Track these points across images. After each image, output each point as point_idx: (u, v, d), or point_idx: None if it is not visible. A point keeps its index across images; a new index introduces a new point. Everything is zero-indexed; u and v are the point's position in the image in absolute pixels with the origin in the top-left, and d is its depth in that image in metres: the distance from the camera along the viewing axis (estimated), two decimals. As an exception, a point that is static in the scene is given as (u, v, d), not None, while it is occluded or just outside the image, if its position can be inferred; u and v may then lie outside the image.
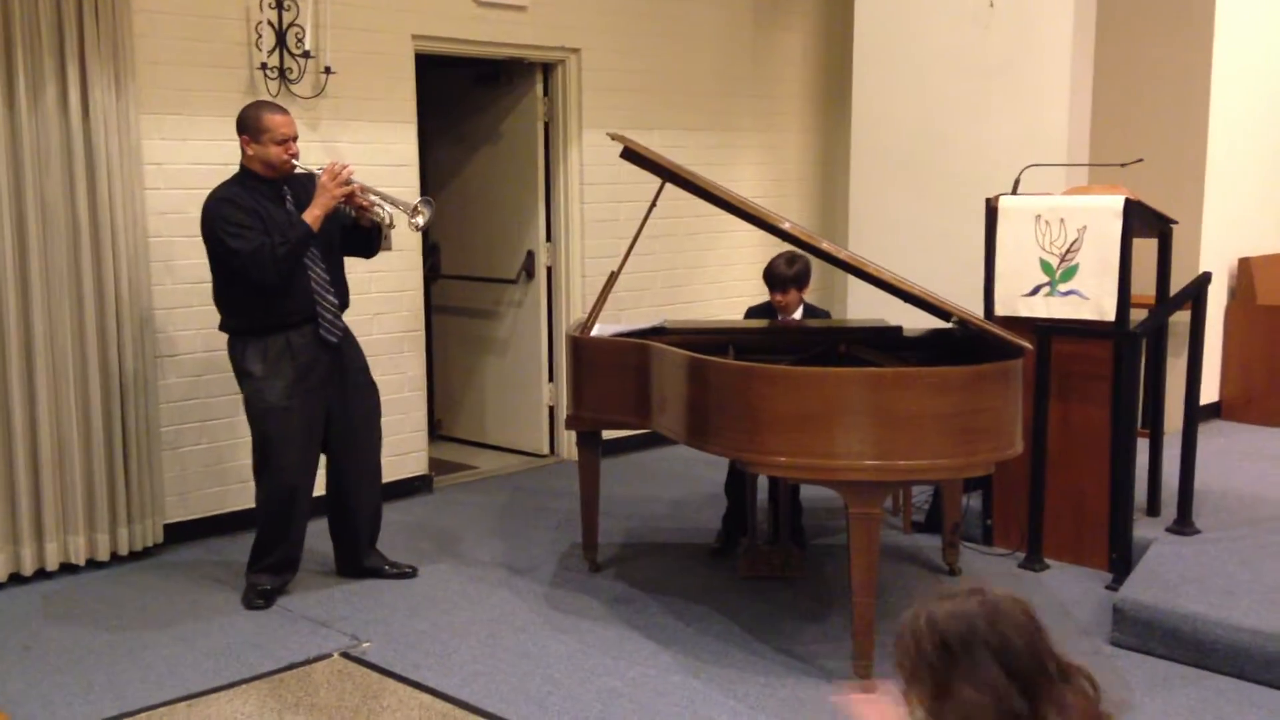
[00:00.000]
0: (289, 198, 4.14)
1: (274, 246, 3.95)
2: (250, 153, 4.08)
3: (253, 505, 4.43)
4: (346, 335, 4.30)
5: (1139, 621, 3.82)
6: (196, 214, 4.76)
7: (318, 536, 4.53)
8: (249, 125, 4.07)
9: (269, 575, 4.27)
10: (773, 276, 4.68)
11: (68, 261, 4.40)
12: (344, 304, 4.29)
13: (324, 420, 4.26)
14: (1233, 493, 5.03)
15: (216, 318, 4.86)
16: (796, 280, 4.67)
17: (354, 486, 4.41)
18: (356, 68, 5.20)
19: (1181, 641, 3.74)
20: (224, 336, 4.88)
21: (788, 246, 4.56)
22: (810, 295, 4.88)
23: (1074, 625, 4.03)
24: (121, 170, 4.49)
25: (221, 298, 4.18)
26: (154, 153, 4.68)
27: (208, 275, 4.83)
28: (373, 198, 4.15)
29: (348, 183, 4.05)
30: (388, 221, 4.20)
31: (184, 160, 4.78)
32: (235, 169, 4.87)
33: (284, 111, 4.14)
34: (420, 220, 4.15)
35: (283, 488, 4.19)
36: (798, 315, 4.78)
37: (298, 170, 4.12)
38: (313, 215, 4.02)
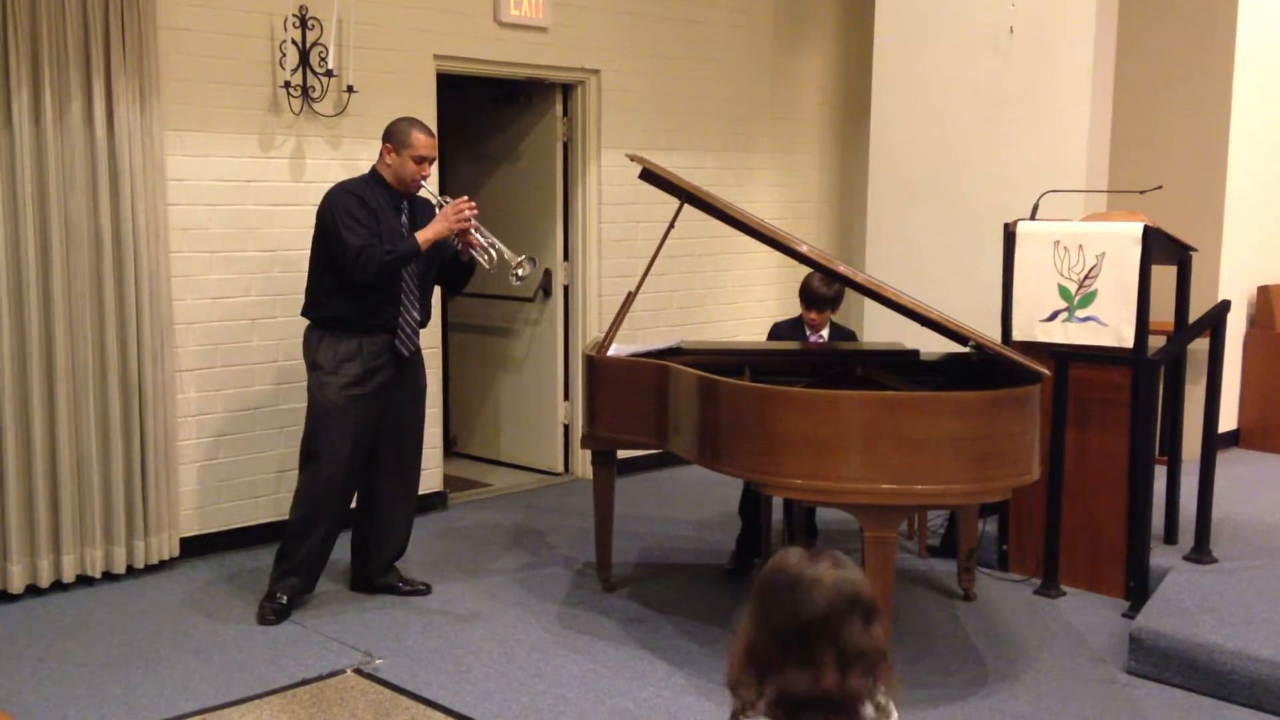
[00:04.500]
0: (405, 213, 4.29)
1: (382, 252, 4.08)
2: (389, 161, 4.24)
3: (270, 519, 4.45)
4: (417, 352, 4.39)
5: (1155, 650, 3.80)
6: (218, 230, 4.85)
7: (338, 552, 4.54)
8: (395, 136, 4.22)
9: (290, 580, 4.28)
10: (810, 295, 4.69)
11: (90, 274, 4.44)
12: (424, 322, 4.41)
13: (376, 429, 4.31)
14: (1251, 522, 5.00)
15: (235, 333, 4.94)
16: (834, 301, 4.69)
17: (389, 501, 4.45)
18: (378, 87, 5.24)
19: (1198, 671, 3.71)
20: (243, 350, 4.97)
21: (806, 269, 4.57)
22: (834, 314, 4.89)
23: (1089, 653, 4.01)
24: (145, 185, 4.53)
25: (314, 287, 4.29)
26: (177, 169, 4.72)
27: (226, 291, 4.91)
28: (483, 240, 4.28)
29: (466, 219, 4.19)
30: (490, 267, 4.32)
31: (206, 177, 4.82)
32: (255, 185, 4.94)
33: (431, 135, 4.28)
34: (521, 272, 4.29)
35: (323, 479, 4.23)
36: (825, 334, 4.79)
37: (421, 193, 4.30)
38: (424, 237, 4.16)
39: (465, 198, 4.27)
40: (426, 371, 5.54)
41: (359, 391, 4.22)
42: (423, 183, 4.28)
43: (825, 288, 4.66)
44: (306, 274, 4.33)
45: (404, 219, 4.28)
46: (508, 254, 4.28)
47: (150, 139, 4.54)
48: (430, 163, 4.28)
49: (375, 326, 4.23)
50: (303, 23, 4.97)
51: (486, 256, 4.30)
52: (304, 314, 4.34)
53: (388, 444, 4.39)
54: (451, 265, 4.42)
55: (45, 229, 4.33)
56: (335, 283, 4.19)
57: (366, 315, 4.21)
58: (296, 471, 4.37)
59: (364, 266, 4.07)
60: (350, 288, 4.15)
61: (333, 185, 4.30)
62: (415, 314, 4.33)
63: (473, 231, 4.26)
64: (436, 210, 4.29)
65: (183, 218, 4.76)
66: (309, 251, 4.32)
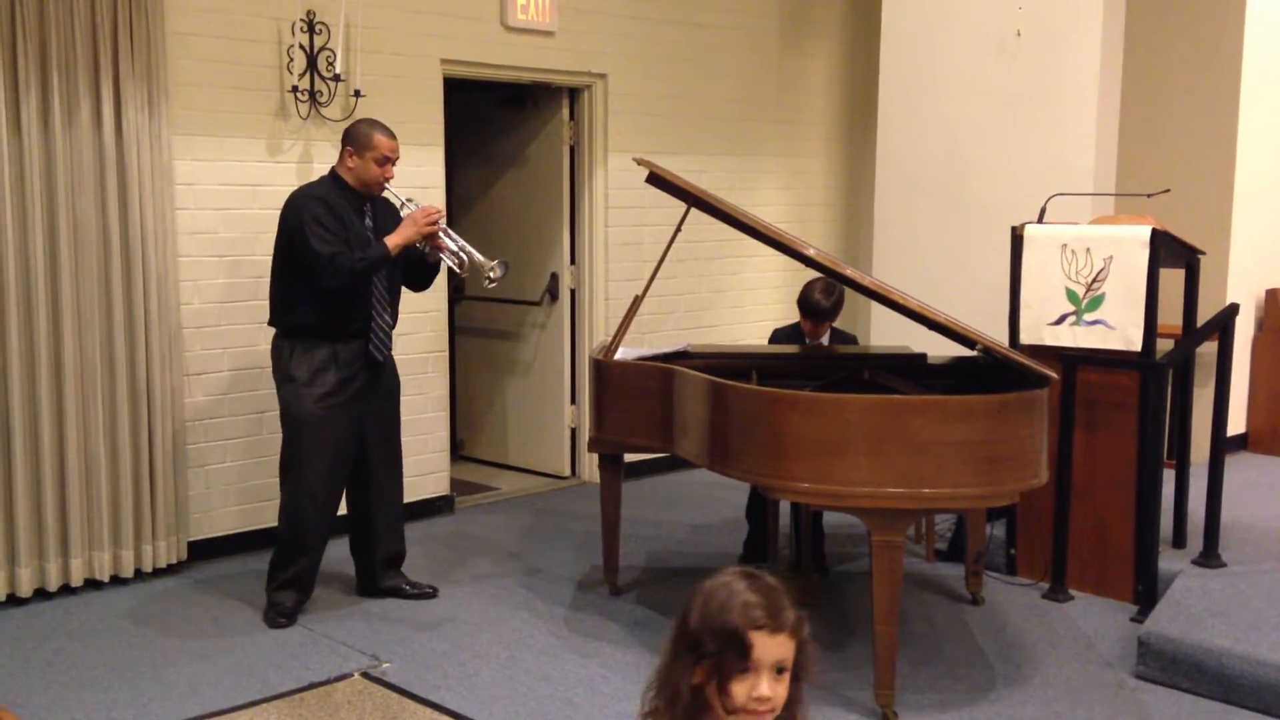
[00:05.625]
0: (369, 215, 4.25)
1: (353, 260, 4.05)
2: (350, 164, 4.20)
3: (276, 524, 4.45)
4: (389, 355, 4.38)
5: (1164, 655, 3.79)
6: (226, 234, 4.86)
7: (343, 558, 4.55)
8: (356, 139, 4.19)
9: (289, 591, 4.28)
10: (809, 307, 4.66)
11: (98, 279, 4.45)
12: (393, 324, 4.39)
13: (356, 435, 4.30)
14: (1260, 525, 4.98)
15: (243, 337, 4.94)
16: (833, 313, 4.66)
17: (377, 506, 4.44)
18: (385, 91, 5.25)
19: (1207, 676, 3.70)
20: (250, 354, 4.97)
21: (812, 272, 4.57)
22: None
23: (1098, 657, 4.00)
24: (153, 189, 4.54)
25: (280, 295, 4.25)
26: (185, 173, 4.73)
27: (234, 295, 4.91)
28: (452, 245, 4.26)
29: (434, 223, 4.18)
30: (461, 272, 4.32)
31: (214, 181, 4.83)
32: (263, 189, 4.95)
33: (393, 136, 4.24)
34: (493, 275, 4.26)
35: (305, 494, 4.22)
36: (825, 339, 4.78)
37: (386, 194, 4.27)
38: (393, 242, 4.13)
39: (432, 205, 4.25)
40: (433, 375, 5.59)
41: (336, 401, 4.19)
42: (386, 185, 4.23)
43: (825, 299, 4.62)
44: (269, 281, 4.29)
45: (368, 222, 4.24)
46: (479, 258, 4.26)
47: (158, 143, 4.55)
48: (393, 163, 4.22)
49: (348, 333, 4.19)
50: (310, 27, 4.98)
51: (456, 260, 4.27)
52: (271, 323, 4.30)
53: (371, 448, 4.36)
54: (416, 265, 4.38)
55: (54, 233, 4.34)
56: (304, 291, 4.13)
57: (338, 322, 4.16)
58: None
59: (335, 275, 4.03)
60: (319, 295, 4.10)
61: (294, 190, 4.25)
62: (387, 317, 4.29)
63: (441, 236, 4.23)
64: (401, 212, 4.25)
65: (190, 222, 4.77)
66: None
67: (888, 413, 3.46)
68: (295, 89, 4.97)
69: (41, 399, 4.35)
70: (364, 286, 4.16)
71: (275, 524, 4.39)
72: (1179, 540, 4.67)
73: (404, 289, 4.50)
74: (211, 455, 4.93)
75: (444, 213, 4.24)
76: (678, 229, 4.38)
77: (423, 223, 4.16)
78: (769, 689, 1.67)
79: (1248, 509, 5.18)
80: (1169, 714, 3.61)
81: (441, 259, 4.29)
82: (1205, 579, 4.29)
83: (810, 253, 4.11)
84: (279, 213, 4.95)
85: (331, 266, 4.03)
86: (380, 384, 4.35)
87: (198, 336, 4.83)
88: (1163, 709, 3.64)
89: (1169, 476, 4.58)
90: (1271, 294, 6.49)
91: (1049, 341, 4.54)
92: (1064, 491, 4.49)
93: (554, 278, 6.33)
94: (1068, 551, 4.53)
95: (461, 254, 4.27)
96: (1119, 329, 4.38)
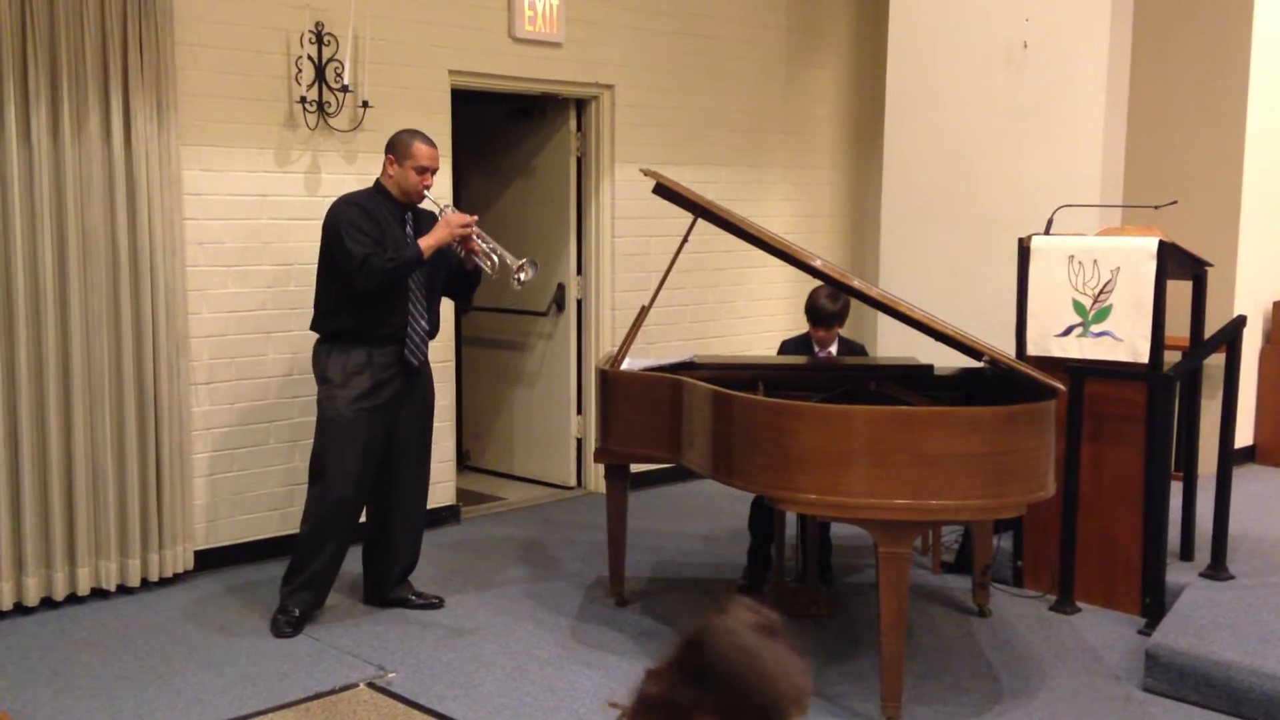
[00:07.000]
0: (410, 223, 4.31)
1: (384, 259, 4.09)
2: (391, 173, 4.27)
3: (283, 533, 4.46)
4: (426, 364, 4.40)
5: (1172, 668, 3.77)
6: (233, 244, 4.88)
7: (351, 568, 4.55)
8: (397, 147, 4.26)
9: (301, 595, 4.28)
10: (816, 312, 4.68)
11: (106, 288, 4.46)
12: (433, 332, 4.42)
13: (385, 441, 4.32)
14: (1268, 538, 4.96)
15: (250, 347, 4.96)
16: (840, 316, 4.68)
17: (400, 514, 4.46)
18: (393, 102, 5.27)
19: (1215, 689, 3.69)
20: (258, 364, 4.99)
21: (818, 283, 4.57)
22: (842, 330, 4.89)
23: (1105, 670, 3.99)
24: (161, 200, 4.56)
25: (321, 299, 4.31)
26: (193, 183, 4.75)
27: (242, 304, 4.93)
28: (485, 247, 4.30)
29: (468, 225, 4.24)
30: (492, 273, 4.35)
31: (223, 191, 4.85)
32: (271, 200, 4.97)
33: (433, 146, 4.31)
34: (523, 276, 4.30)
35: (332, 495, 4.24)
36: (833, 350, 4.78)
37: (425, 203, 4.33)
38: (426, 244, 4.18)
39: (468, 215, 4.31)
40: (439, 385, 5.58)
41: (368, 404, 4.23)
42: (425, 193, 4.29)
43: (831, 304, 4.64)
44: (314, 287, 4.35)
45: (409, 230, 4.29)
46: (509, 259, 4.29)
47: (167, 154, 4.57)
48: (432, 173, 4.30)
49: (384, 337, 4.23)
50: (319, 39, 5.00)
51: (489, 263, 4.32)
52: (313, 328, 4.35)
53: (397, 457, 4.39)
54: (457, 275, 4.43)
55: (63, 243, 4.35)
56: (342, 295, 4.20)
57: (374, 326, 4.21)
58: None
59: (367, 275, 4.08)
60: (357, 299, 4.16)
61: (337, 198, 4.32)
62: (423, 323, 4.34)
63: (474, 238, 4.27)
64: (439, 218, 4.31)
65: (199, 232, 4.79)
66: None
67: (894, 424, 3.46)
68: (304, 100, 4.99)
69: (49, 408, 4.36)
70: (399, 290, 4.20)
71: (282, 533, 4.40)
72: (1186, 553, 4.66)
73: (447, 300, 4.54)
74: (218, 464, 4.94)
75: (477, 219, 4.29)
76: (684, 239, 4.39)
77: (456, 225, 4.22)
78: None
79: (1255, 521, 5.17)
80: (1177, 727, 3.60)
81: (477, 263, 4.33)
82: (1213, 591, 4.28)
83: (817, 263, 4.12)
84: (288, 222, 5.02)
85: (365, 267, 4.07)
86: (415, 392, 4.38)
87: (205, 346, 4.85)
88: (1170, 722, 3.63)
89: (1176, 489, 4.57)
90: (1278, 306, 6.48)
91: (1056, 353, 4.54)
92: (1071, 503, 4.48)
93: (561, 288, 6.34)
94: (1075, 564, 4.52)
95: (493, 255, 4.31)
96: (1126, 341, 4.38)
